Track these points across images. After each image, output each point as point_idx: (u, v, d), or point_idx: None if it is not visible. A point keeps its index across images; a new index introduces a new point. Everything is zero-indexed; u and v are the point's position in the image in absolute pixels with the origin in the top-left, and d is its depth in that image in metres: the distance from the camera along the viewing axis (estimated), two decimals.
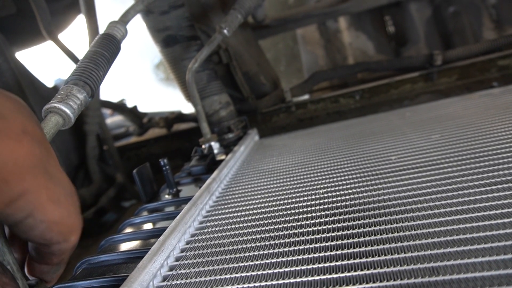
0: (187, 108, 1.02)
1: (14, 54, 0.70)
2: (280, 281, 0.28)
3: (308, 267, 0.29)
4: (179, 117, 0.93)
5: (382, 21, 1.06)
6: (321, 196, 0.42)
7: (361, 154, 0.53)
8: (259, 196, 0.46)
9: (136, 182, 0.51)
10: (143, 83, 1.62)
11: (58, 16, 0.79)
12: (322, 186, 0.45)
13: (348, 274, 0.27)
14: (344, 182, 0.44)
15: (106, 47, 0.43)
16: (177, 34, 0.71)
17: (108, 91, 0.97)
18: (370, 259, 0.28)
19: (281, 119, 0.86)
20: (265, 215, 0.40)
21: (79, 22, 0.89)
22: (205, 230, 0.40)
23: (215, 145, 0.68)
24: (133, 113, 0.98)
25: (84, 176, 0.78)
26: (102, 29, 0.76)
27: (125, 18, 0.49)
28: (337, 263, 0.28)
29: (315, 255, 0.30)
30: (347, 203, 0.39)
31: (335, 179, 0.46)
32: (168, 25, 0.71)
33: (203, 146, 0.66)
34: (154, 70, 1.72)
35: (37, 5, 0.65)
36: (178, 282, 0.31)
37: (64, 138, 0.76)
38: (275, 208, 0.41)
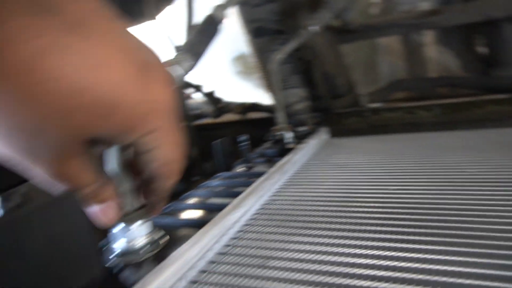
0: (259, 100, 1.07)
1: None
2: (339, 257, 0.30)
3: (367, 252, 0.31)
4: (254, 106, 0.98)
5: (472, 39, 1.02)
6: (392, 191, 0.43)
7: (435, 163, 0.52)
8: (328, 184, 0.48)
9: (216, 151, 0.56)
10: (221, 73, 1.71)
11: None
12: (392, 183, 0.46)
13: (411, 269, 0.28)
14: (415, 184, 0.45)
15: (209, 26, 0.48)
16: (266, 27, 0.76)
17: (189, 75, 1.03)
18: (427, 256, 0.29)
19: (353, 122, 0.87)
20: (333, 200, 0.42)
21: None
22: (277, 202, 0.43)
23: (288, 135, 0.71)
24: (211, 97, 1.05)
25: None
26: (197, 14, 0.83)
27: (227, 4, 0.54)
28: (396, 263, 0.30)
29: (374, 244, 0.32)
30: (417, 201, 0.39)
31: (406, 180, 0.46)
32: (259, 17, 0.75)
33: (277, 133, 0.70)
34: (232, 63, 1.80)
35: None
36: (251, 235, 0.34)
37: None
38: (344, 196, 0.43)
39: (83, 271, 0.23)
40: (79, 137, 0.20)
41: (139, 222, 0.30)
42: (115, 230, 0.30)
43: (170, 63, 0.39)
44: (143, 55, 0.22)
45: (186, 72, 0.40)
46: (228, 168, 0.57)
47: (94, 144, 0.23)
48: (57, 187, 0.22)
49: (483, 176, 0.44)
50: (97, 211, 0.26)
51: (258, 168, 0.56)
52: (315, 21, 0.65)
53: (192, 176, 0.99)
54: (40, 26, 0.17)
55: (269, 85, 0.82)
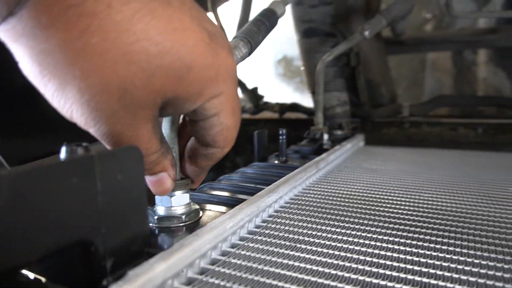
0: (298, 102, 1.08)
1: None
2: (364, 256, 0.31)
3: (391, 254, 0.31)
4: (293, 106, 1.00)
5: None
6: (423, 199, 0.43)
7: (474, 179, 0.52)
8: (359, 185, 0.49)
9: (254, 142, 0.57)
10: (263, 74, 1.73)
11: None
12: (425, 192, 0.46)
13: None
14: (449, 195, 0.44)
15: (268, 19, 0.50)
16: (318, 28, 0.77)
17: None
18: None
19: (391, 133, 0.87)
20: (363, 200, 0.43)
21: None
22: (309, 195, 0.44)
23: (324, 136, 0.72)
24: (253, 93, 1.07)
25: None
26: (253, 10, 0.85)
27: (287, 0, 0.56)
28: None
29: (399, 248, 0.32)
30: (448, 211, 0.39)
31: (440, 191, 0.46)
32: (313, 18, 0.77)
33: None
34: (275, 64, 1.81)
35: None
36: (283, 220, 0.36)
37: None
38: (374, 197, 0.44)
39: (132, 223, 0.25)
40: (158, 98, 0.22)
41: (180, 191, 0.32)
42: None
43: None
44: (211, 25, 0.24)
45: (241, 59, 0.42)
46: (264, 159, 0.59)
47: (164, 111, 0.25)
48: None
49: None
50: (156, 180, 0.27)
51: (292, 163, 0.57)
52: (369, 26, 0.66)
53: (224, 167, 1.01)
54: None
55: (312, 86, 0.83)
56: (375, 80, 0.88)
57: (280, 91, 1.74)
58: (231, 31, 0.84)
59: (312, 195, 0.44)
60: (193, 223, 0.33)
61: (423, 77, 1.30)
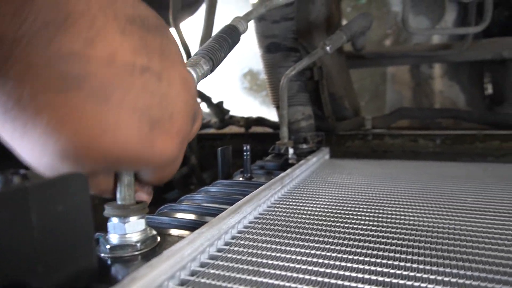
0: (263, 116, 1.08)
1: None
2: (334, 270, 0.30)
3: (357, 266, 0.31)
4: (259, 120, 0.99)
5: (481, 75, 1.03)
6: (388, 212, 0.43)
7: (434, 190, 0.53)
8: (325, 200, 0.49)
9: (218, 159, 0.56)
10: (229, 87, 1.73)
11: (185, 7, 0.90)
12: (388, 205, 0.46)
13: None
14: (412, 207, 0.45)
15: (230, 35, 0.49)
16: (281, 43, 0.77)
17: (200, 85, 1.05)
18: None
19: (355, 145, 0.88)
20: (329, 215, 0.42)
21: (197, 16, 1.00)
22: (274, 213, 0.43)
23: (290, 151, 0.71)
24: (218, 108, 1.06)
25: None
26: (216, 26, 0.84)
27: (248, 16, 0.56)
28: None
29: (364, 259, 0.32)
30: (412, 223, 0.39)
31: (403, 203, 0.47)
32: (275, 33, 0.77)
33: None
34: (241, 78, 1.82)
35: None
36: (246, 242, 0.34)
37: None
38: (340, 212, 0.43)
39: (76, 257, 0.23)
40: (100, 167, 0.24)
41: (136, 217, 0.30)
42: (112, 222, 0.30)
43: (186, 65, 0.40)
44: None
45: (202, 76, 0.40)
46: (228, 176, 0.57)
47: None
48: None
49: (481, 205, 0.45)
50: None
51: (257, 179, 0.56)
52: (330, 42, 0.67)
53: (189, 184, 0.99)
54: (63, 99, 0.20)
55: (276, 100, 0.83)
56: (338, 94, 0.90)
57: (246, 105, 1.74)
58: (193, 47, 0.83)
59: (276, 213, 0.42)
60: (149, 251, 0.31)
61: (384, 90, 1.34)
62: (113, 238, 0.30)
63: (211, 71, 0.44)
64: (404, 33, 1.41)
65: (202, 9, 0.90)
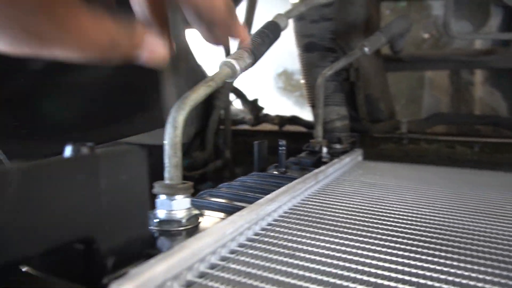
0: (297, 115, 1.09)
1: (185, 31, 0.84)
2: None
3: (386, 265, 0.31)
4: (293, 119, 1.00)
5: None
6: (423, 214, 0.43)
7: (472, 196, 0.52)
8: (358, 198, 0.49)
9: (254, 152, 0.58)
10: (263, 86, 1.75)
11: None
12: (422, 207, 0.46)
13: None
14: (446, 211, 0.44)
15: (271, 31, 0.51)
16: (318, 43, 0.78)
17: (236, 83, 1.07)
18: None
19: (389, 148, 0.87)
20: (361, 211, 0.43)
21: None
22: (308, 206, 0.44)
23: (323, 149, 0.72)
24: (253, 105, 1.08)
25: (200, 142, 0.89)
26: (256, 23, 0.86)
27: (289, 13, 0.57)
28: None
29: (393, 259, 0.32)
30: (445, 225, 0.39)
31: (438, 207, 0.46)
32: (314, 33, 0.78)
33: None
34: (275, 77, 1.83)
35: None
36: (281, 229, 0.36)
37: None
38: (372, 209, 0.44)
39: (134, 224, 0.25)
40: None
41: (182, 196, 0.33)
42: (160, 198, 0.32)
43: (230, 57, 0.42)
44: None
45: (244, 69, 0.42)
46: (262, 170, 0.59)
47: None
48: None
49: None
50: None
51: (291, 174, 0.58)
52: (369, 43, 0.67)
53: (222, 177, 1.01)
54: None
55: (312, 100, 0.84)
56: (374, 96, 0.89)
57: (280, 104, 1.75)
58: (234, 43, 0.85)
59: (310, 206, 0.44)
60: (192, 228, 0.33)
61: (420, 95, 1.31)
62: (161, 213, 0.32)
63: (253, 64, 0.46)
64: (444, 38, 1.38)
65: (242, 6, 0.93)
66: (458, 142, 0.80)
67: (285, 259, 0.30)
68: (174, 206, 0.32)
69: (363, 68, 0.87)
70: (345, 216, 0.41)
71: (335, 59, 0.78)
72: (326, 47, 0.77)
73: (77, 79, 0.52)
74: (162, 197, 0.32)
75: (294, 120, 1.01)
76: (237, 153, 1.02)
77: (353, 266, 0.29)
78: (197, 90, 0.36)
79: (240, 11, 0.92)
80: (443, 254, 0.32)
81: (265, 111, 1.12)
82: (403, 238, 0.35)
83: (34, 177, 0.18)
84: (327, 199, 0.47)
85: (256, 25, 0.86)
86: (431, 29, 1.37)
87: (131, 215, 0.24)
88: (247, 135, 1.05)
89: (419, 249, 0.32)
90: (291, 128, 1.04)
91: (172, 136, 0.33)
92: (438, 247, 0.33)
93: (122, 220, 0.24)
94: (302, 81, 0.88)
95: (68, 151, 0.24)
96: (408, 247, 0.33)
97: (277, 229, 0.36)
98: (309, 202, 0.45)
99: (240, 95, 1.10)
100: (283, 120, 1.01)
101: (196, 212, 0.34)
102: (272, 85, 1.81)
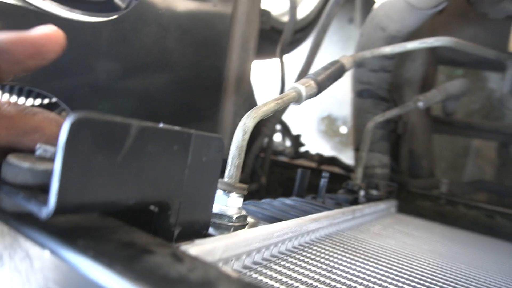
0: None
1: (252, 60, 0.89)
2: None
3: None
4: (332, 159, 1.02)
5: None
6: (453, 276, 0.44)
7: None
8: (392, 241, 0.50)
9: (297, 178, 0.60)
10: (306, 126, 1.79)
11: (293, 42, 0.99)
12: (455, 271, 0.46)
13: None
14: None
15: (336, 69, 0.55)
16: (374, 91, 0.81)
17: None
18: None
19: (424, 206, 0.87)
20: (395, 255, 0.44)
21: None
22: (343, 235, 0.46)
23: (361, 192, 0.73)
24: (295, 139, 1.11)
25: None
26: (315, 65, 0.91)
27: (355, 57, 0.61)
28: None
29: None
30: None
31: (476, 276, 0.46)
32: (371, 81, 0.81)
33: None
34: (319, 120, 1.87)
35: (286, 31, 0.84)
36: (320, 249, 0.37)
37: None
38: (407, 255, 0.45)
39: (202, 205, 0.28)
40: None
41: (236, 195, 0.35)
42: (217, 193, 0.35)
43: (298, 83, 0.46)
44: None
45: (308, 97, 0.46)
46: (301, 196, 0.61)
47: None
48: None
49: None
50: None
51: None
52: (424, 98, 0.69)
53: (259, 198, 1.03)
54: None
55: (356, 143, 0.86)
56: (418, 152, 0.90)
57: (319, 146, 1.78)
58: (292, 78, 0.91)
59: (347, 236, 0.45)
60: (240, 226, 0.35)
61: (463, 163, 1.30)
62: (215, 207, 0.35)
63: (317, 94, 0.49)
64: (495, 111, 1.37)
65: (306, 46, 0.98)
66: (498, 212, 0.78)
67: (323, 272, 0.31)
68: (228, 203, 0.35)
69: (412, 123, 0.89)
70: (376, 254, 0.42)
71: (386, 108, 0.81)
72: (380, 96, 0.80)
73: (150, 90, 0.59)
74: (219, 192, 0.35)
75: (333, 160, 1.02)
76: (271, 182, 1.04)
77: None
78: (267, 104, 0.40)
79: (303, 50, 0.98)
80: None
81: (304, 148, 1.15)
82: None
83: (148, 135, 0.22)
84: (361, 235, 0.49)
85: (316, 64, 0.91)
86: (483, 100, 1.37)
87: (201, 195, 0.27)
88: (284, 167, 1.07)
89: None
90: (329, 168, 1.06)
91: (240, 139, 0.36)
92: None
93: (194, 197, 0.27)
94: (343, 128, 0.90)
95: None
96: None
97: (315, 248, 0.38)
98: (345, 233, 0.47)
99: (285, 127, 1.13)
100: (322, 159, 1.03)
101: (245, 213, 0.36)
102: (314, 127, 1.85)
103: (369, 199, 0.76)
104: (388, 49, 0.63)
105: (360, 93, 0.83)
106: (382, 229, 0.57)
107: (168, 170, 0.24)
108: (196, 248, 0.23)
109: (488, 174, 1.11)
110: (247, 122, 0.37)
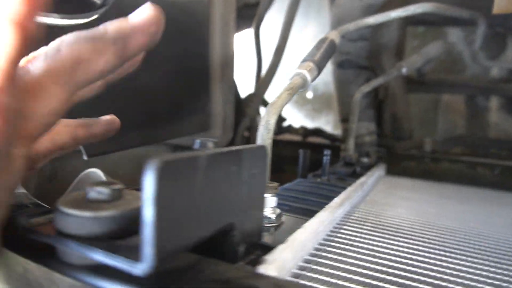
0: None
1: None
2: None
3: None
4: (317, 131, 1.04)
5: None
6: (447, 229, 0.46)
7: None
8: (404, 215, 0.52)
9: (300, 159, 0.60)
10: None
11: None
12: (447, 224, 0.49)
13: None
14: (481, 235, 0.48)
15: (329, 46, 0.54)
16: (354, 61, 0.82)
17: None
18: None
19: (411, 166, 0.91)
20: (411, 223, 0.46)
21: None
22: (362, 212, 0.47)
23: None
24: None
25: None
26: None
27: (340, 30, 0.61)
28: None
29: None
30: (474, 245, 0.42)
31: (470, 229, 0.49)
32: (350, 51, 0.82)
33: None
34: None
35: (262, 5, 0.82)
36: (354, 233, 0.38)
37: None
38: (415, 220, 0.47)
39: (255, 216, 0.27)
40: None
41: (270, 194, 0.35)
42: None
43: (301, 69, 0.45)
44: None
45: (312, 79, 0.45)
46: (304, 177, 0.62)
47: None
48: None
49: None
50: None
51: (335, 183, 0.60)
52: (407, 64, 0.71)
53: None
54: None
55: (342, 114, 0.87)
56: (399, 115, 0.93)
57: (291, 116, 1.79)
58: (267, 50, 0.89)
59: (362, 213, 0.47)
60: (278, 225, 0.35)
61: (433, 117, 1.36)
62: None
63: (317, 76, 0.49)
64: (458, 65, 1.43)
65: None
66: (479, 164, 0.84)
67: (369, 258, 0.32)
68: (265, 204, 0.34)
69: (392, 88, 0.91)
70: (396, 224, 0.44)
71: (369, 77, 0.82)
72: (360, 65, 0.81)
73: (141, 85, 0.55)
74: None
75: (318, 132, 1.04)
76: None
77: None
78: (281, 97, 0.39)
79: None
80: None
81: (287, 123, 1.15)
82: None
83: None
84: (373, 208, 0.50)
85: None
86: (446, 55, 1.42)
87: (255, 206, 0.27)
88: None
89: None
90: (313, 139, 1.07)
91: (265, 137, 0.35)
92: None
93: (251, 211, 0.26)
94: (309, 93, 0.91)
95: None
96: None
97: (345, 232, 0.39)
98: (359, 209, 0.48)
99: (266, 104, 1.13)
100: (307, 131, 1.04)
101: (279, 211, 0.36)
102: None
103: (362, 167, 0.79)
104: (372, 20, 0.63)
105: (341, 64, 0.84)
106: (384, 198, 0.59)
107: (230, 191, 0.24)
108: (273, 266, 0.23)
109: (460, 126, 1.17)
110: (269, 120, 0.36)
